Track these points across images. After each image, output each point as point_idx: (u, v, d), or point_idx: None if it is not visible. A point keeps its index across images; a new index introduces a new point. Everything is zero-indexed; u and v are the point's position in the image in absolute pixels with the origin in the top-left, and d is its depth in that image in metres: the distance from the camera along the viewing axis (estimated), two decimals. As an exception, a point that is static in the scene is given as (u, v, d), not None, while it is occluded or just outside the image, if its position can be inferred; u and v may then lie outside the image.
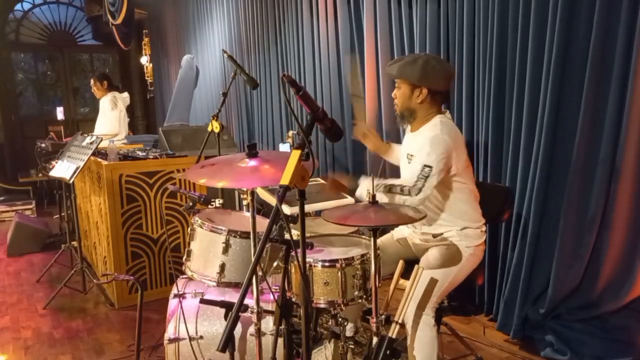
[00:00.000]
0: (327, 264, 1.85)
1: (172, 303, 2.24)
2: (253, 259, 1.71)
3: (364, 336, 2.24)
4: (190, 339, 2.15)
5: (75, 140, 3.90)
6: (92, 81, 5.35)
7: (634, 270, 2.39)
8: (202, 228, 2.12)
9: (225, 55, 3.07)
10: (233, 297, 2.16)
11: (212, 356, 2.15)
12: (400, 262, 1.98)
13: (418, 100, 2.17)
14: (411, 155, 2.18)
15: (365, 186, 2.07)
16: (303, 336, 1.53)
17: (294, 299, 1.88)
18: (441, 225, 2.22)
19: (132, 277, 2.48)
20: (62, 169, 3.60)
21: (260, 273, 1.99)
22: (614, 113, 2.32)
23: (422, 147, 2.07)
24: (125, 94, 5.47)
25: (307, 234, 1.73)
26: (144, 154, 3.63)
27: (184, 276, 2.33)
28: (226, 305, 1.92)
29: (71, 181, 3.48)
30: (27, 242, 5.01)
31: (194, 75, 7.42)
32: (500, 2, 2.72)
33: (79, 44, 9.64)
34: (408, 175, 2.07)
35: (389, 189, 2.04)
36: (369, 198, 1.90)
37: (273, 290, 2.10)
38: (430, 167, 2.02)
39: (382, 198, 2.01)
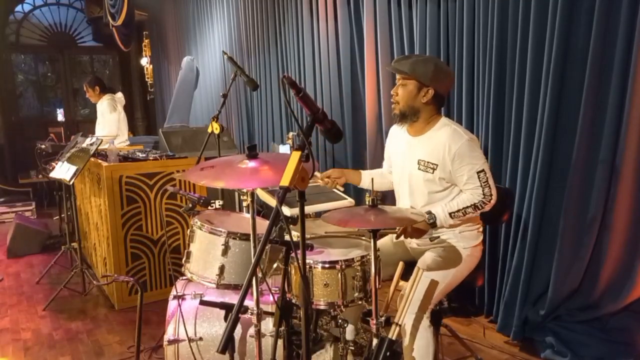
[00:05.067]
0: (327, 265, 1.85)
1: (172, 304, 2.24)
2: (253, 260, 1.71)
3: (364, 338, 2.23)
4: (190, 340, 2.15)
5: (75, 142, 3.90)
6: (84, 87, 5.25)
7: (634, 271, 2.39)
8: (202, 230, 2.12)
9: (225, 56, 3.08)
10: (233, 298, 2.16)
11: (212, 357, 2.15)
12: (401, 264, 1.98)
13: (423, 100, 2.13)
14: (426, 162, 2.15)
15: (441, 219, 2.09)
16: (303, 338, 1.53)
17: (293, 301, 1.88)
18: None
19: (131, 279, 2.48)
20: (62, 170, 3.60)
21: (260, 274, 1.99)
22: (614, 113, 2.31)
23: (459, 157, 2.07)
24: (120, 94, 5.44)
25: (307, 235, 1.73)
26: (144, 155, 3.63)
27: (184, 277, 2.33)
28: (226, 307, 1.91)
29: (71, 182, 3.48)
30: (27, 244, 5.00)
31: (194, 76, 7.41)
32: (500, 2, 2.72)
33: (79, 45, 9.64)
34: (469, 193, 2.10)
35: (464, 213, 2.09)
36: (447, 220, 2.08)
37: (273, 291, 2.10)
38: (482, 170, 2.09)
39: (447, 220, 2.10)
